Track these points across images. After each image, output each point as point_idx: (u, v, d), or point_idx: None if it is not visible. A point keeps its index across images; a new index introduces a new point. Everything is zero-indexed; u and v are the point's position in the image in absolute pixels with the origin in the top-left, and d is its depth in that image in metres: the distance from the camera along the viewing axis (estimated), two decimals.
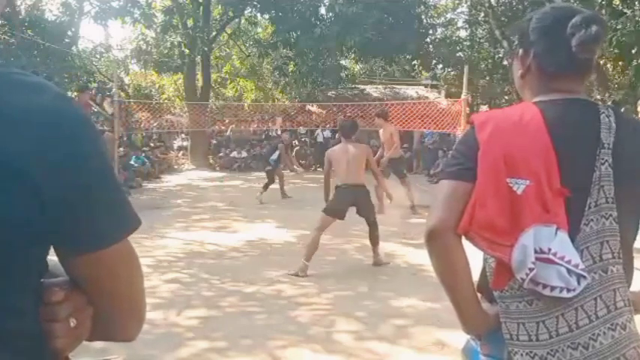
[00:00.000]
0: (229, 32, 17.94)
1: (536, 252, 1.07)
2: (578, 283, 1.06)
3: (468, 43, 17.23)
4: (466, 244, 1.18)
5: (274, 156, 8.93)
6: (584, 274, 1.06)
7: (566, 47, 1.15)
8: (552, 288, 1.06)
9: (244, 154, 15.29)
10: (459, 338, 3.56)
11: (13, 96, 0.59)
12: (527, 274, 1.07)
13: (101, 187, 0.65)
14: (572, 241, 1.08)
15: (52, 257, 0.69)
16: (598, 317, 1.06)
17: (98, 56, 17.12)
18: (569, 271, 1.06)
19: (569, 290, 1.06)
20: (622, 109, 6.81)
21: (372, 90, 18.59)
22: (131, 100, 14.85)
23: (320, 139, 15.28)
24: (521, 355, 1.11)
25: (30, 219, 0.60)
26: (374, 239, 5.22)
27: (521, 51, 1.26)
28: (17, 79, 0.62)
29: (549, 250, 1.06)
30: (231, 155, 15.34)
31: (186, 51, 14.52)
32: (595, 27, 1.12)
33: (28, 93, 0.60)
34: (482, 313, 1.20)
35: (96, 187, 0.64)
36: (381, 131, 8.06)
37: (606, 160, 1.09)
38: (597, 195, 1.09)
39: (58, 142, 0.60)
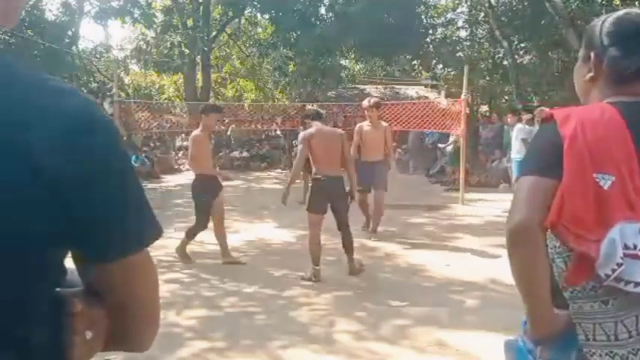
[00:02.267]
0: (229, 32, 17.95)
1: (623, 247, 1.07)
2: None
3: (468, 43, 17.21)
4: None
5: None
6: None
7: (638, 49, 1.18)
8: (636, 284, 1.06)
9: (245, 154, 15.29)
10: (459, 338, 3.57)
11: (45, 100, 0.59)
12: (613, 270, 1.07)
13: (127, 197, 0.65)
14: None
15: (69, 266, 0.68)
16: None
17: (98, 56, 17.12)
18: None
19: None
20: None
21: (372, 90, 18.59)
22: (131, 100, 14.85)
23: None
24: (600, 355, 1.11)
25: (53, 218, 0.59)
26: (348, 245, 4.72)
27: (592, 54, 1.25)
28: (50, 85, 0.61)
29: (635, 246, 1.07)
30: (232, 155, 15.35)
31: (186, 51, 14.53)
32: None
33: (59, 97, 0.60)
34: (554, 316, 1.19)
35: (122, 195, 0.64)
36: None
37: None
38: None
39: (91, 150, 0.60)
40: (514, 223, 1.16)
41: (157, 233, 0.69)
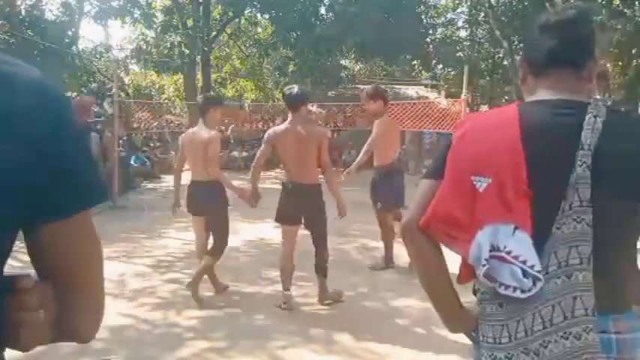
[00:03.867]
0: (229, 32, 17.94)
1: (491, 249, 1.07)
2: (534, 284, 1.03)
3: (468, 43, 17.23)
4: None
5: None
6: (540, 276, 1.03)
7: (547, 40, 1.18)
8: (506, 287, 1.06)
9: (245, 154, 15.30)
10: (459, 338, 3.56)
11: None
12: (480, 270, 1.08)
13: (86, 156, 0.72)
14: (543, 244, 1.06)
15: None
16: (553, 324, 1.04)
17: (98, 56, 17.12)
18: (524, 271, 1.04)
19: (522, 291, 1.04)
20: (622, 109, 6.81)
21: None
22: (131, 100, 14.85)
23: None
24: (485, 357, 1.13)
25: (27, 172, 0.63)
26: (321, 266, 3.94)
27: (519, 58, 1.33)
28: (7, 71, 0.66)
29: (504, 247, 1.06)
30: (232, 155, 15.36)
31: (186, 51, 14.52)
32: (571, 11, 1.17)
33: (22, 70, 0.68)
34: (463, 312, 1.22)
35: (83, 153, 0.71)
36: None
37: (584, 162, 1.04)
38: (572, 198, 1.05)
39: (45, 112, 0.66)
40: (402, 223, 1.22)
41: (99, 198, 0.73)
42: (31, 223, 0.68)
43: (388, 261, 5.04)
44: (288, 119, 3.86)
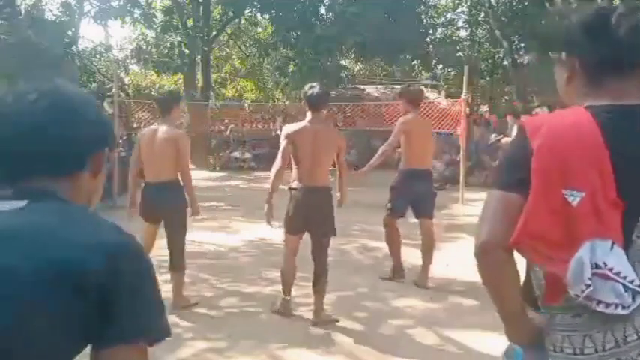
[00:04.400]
0: (229, 32, 17.93)
1: (592, 267, 1.02)
2: (633, 299, 1.02)
3: (468, 43, 17.23)
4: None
5: None
6: (639, 289, 1.02)
7: (613, 42, 1.10)
8: (607, 305, 1.02)
9: (247, 155, 15.28)
10: (459, 338, 3.56)
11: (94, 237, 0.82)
12: (582, 291, 1.02)
13: (151, 301, 0.90)
14: (626, 254, 1.04)
15: None
16: None
17: (98, 56, 17.11)
18: (624, 287, 1.02)
19: (624, 307, 1.02)
20: None
21: (372, 90, 18.59)
22: (131, 100, 14.84)
23: None
24: None
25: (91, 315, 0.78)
26: (320, 284, 3.63)
27: (564, 55, 1.21)
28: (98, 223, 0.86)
29: (605, 264, 1.02)
30: (233, 155, 15.35)
31: (186, 51, 14.52)
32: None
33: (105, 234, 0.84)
34: (529, 324, 1.18)
35: (148, 299, 0.88)
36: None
37: None
38: None
39: (124, 271, 0.81)
40: (479, 241, 1.14)
41: (166, 332, 0.92)
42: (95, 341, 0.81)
43: (397, 272, 4.66)
44: (308, 118, 3.65)
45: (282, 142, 3.63)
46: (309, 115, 3.66)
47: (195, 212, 4.03)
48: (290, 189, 3.67)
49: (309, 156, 3.57)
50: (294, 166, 3.65)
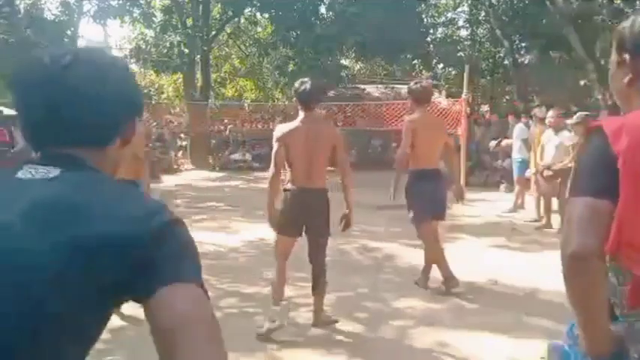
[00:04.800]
0: (229, 31, 17.92)
1: None
2: None
3: (468, 43, 17.23)
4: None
5: None
6: None
7: None
8: None
9: (248, 155, 15.27)
10: (459, 338, 3.54)
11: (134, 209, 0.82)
12: None
13: (189, 253, 0.84)
14: None
15: None
16: None
17: None
18: None
19: None
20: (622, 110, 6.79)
21: (372, 90, 18.58)
22: None
23: None
24: None
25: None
26: (319, 286, 3.53)
27: (627, 57, 1.19)
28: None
29: None
30: (233, 156, 15.34)
31: (186, 50, 14.51)
32: None
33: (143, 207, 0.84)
34: (610, 334, 1.15)
35: (188, 252, 0.83)
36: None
37: None
38: None
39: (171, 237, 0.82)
40: (570, 252, 1.08)
41: (199, 279, 0.82)
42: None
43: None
44: (300, 117, 3.44)
45: (274, 145, 3.43)
46: (301, 113, 3.45)
47: None
48: (285, 190, 3.48)
49: (304, 157, 3.39)
50: (288, 168, 3.48)
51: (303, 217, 3.44)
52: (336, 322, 3.61)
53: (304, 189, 3.41)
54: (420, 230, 4.34)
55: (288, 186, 3.47)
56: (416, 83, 4.45)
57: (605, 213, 1.07)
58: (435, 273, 4.59)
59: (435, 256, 4.32)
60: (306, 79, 3.53)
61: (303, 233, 3.51)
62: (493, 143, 9.99)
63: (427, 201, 4.18)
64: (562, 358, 1.30)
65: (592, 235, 1.07)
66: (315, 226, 3.47)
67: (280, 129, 3.51)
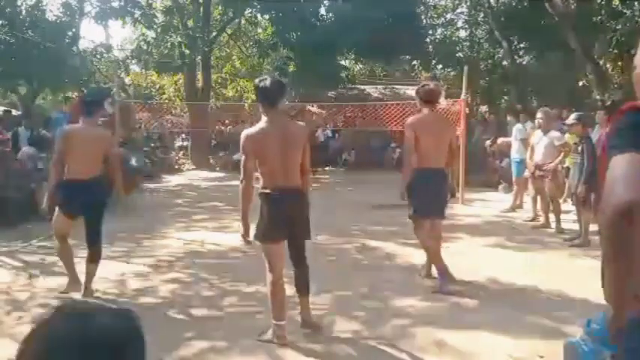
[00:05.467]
0: (229, 32, 17.94)
1: None
2: None
3: (467, 44, 17.23)
4: None
5: None
6: None
7: None
8: None
9: None
10: (459, 338, 3.56)
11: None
12: None
13: None
14: None
15: None
16: None
17: (98, 57, 17.11)
18: None
19: None
20: None
21: (372, 90, 18.60)
22: (132, 101, 14.86)
23: (321, 138, 15.20)
24: None
25: None
26: (303, 284, 3.47)
27: None
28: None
29: None
30: (233, 157, 15.35)
31: (187, 51, 14.52)
32: None
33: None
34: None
35: None
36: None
37: None
38: None
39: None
40: (620, 202, 1.09)
41: None
42: None
43: (427, 269, 4.59)
44: (265, 118, 3.25)
45: (243, 157, 3.23)
46: (266, 113, 3.25)
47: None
48: (262, 194, 3.30)
49: (278, 158, 3.22)
50: (260, 172, 3.30)
51: (287, 218, 3.30)
52: (321, 328, 3.55)
53: (283, 189, 3.25)
54: (415, 227, 4.46)
55: (265, 190, 3.28)
56: (423, 85, 4.49)
57: None
58: (437, 273, 4.62)
59: (428, 253, 4.48)
60: (265, 76, 3.39)
61: (287, 239, 3.40)
62: (488, 143, 10.02)
63: (428, 200, 4.28)
64: (580, 356, 1.32)
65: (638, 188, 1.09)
66: (299, 229, 3.37)
67: (247, 136, 3.24)
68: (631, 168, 1.11)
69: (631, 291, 1.15)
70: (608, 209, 1.12)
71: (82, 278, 4.17)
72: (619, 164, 1.13)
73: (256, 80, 3.42)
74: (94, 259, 4.15)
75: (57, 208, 4.09)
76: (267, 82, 3.26)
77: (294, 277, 3.53)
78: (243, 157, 3.25)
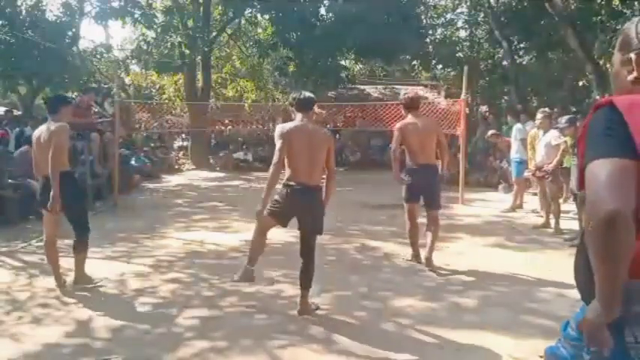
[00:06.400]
0: (229, 32, 17.95)
1: None
2: None
3: (467, 44, 17.24)
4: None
5: None
6: None
7: None
8: None
9: (248, 155, 15.29)
10: (459, 338, 3.56)
11: None
12: None
13: None
14: None
15: None
16: None
17: (99, 57, 17.13)
18: None
19: None
20: None
21: (372, 90, 18.60)
22: (132, 101, 14.86)
23: None
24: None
25: None
26: (307, 278, 3.75)
27: (633, 55, 1.24)
28: None
29: None
30: (233, 155, 15.37)
31: (187, 51, 14.53)
32: None
33: None
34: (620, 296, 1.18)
35: None
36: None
37: None
38: None
39: None
40: (608, 210, 1.10)
41: None
42: None
43: (415, 257, 5.18)
44: (299, 118, 3.74)
45: (278, 142, 3.64)
46: (299, 116, 3.79)
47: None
48: (285, 185, 3.71)
49: (306, 155, 3.64)
50: (287, 165, 3.68)
51: (296, 212, 3.67)
52: (318, 308, 3.89)
53: (304, 185, 3.62)
54: (406, 209, 5.13)
55: (288, 182, 3.67)
56: (405, 94, 5.30)
57: (631, 171, 1.11)
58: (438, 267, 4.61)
59: (410, 233, 5.15)
60: (301, 92, 3.93)
61: (298, 230, 3.76)
62: (491, 132, 10.00)
63: (417, 188, 4.97)
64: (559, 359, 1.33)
65: (626, 192, 1.10)
66: (312, 222, 3.70)
67: (283, 127, 3.71)
68: (616, 175, 1.12)
69: (618, 290, 1.17)
70: (593, 215, 1.13)
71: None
72: (604, 169, 1.13)
73: (294, 93, 3.95)
74: (75, 248, 4.37)
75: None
76: (305, 94, 3.86)
77: (299, 270, 3.78)
78: (278, 144, 3.61)
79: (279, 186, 3.73)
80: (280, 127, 3.72)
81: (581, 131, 1.30)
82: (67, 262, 4.54)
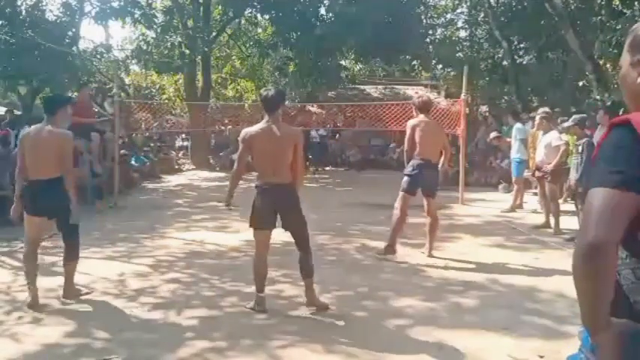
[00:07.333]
0: (229, 32, 17.94)
1: None
2: None
3: (467, 44, 17.23)
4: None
5: None
6: None
7: None
8: None
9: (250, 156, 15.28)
10: (459, 338, 3.56)
11: None
12: None
13: None
14: None
15: None
16: None
17: (99, 56, 17.12)
18: None
19: None
20: (621, 110, 6.85)
21: (372, 90, 18.60)
22: (132, 101, 14.86)
23: (317, 139, 15.17)
24: None
25: None
26: (307, 267, 3.85)
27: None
28: None
29: None
30: (233, 157, 15.35)
31: (187, 51, 14.52)
32: None
33: None
34: (610, 323, 1.17)
35: None
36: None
37: None
38: None
39: None
40: (591, 241, 1.09)
41: None
42: None
43: (389, 248, 5.34)
44: (264, 119, 3.83)
45: (240, 147, 3.87)
46: (265, 116, 3.91)
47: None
48: (256, 187, 3.86)
49: (269, 155, 3.76)
50: (255, 167, 3.91)
51: (275, 210, 3.79)
52: (328, 308, 3.90)
53: (271, 184, 3.76)
54: (400, 196, 5.35)
55: (258, 183, 3.85)
56: (419, 97, 5.82)
57: (630, 206, 1.08)
58: (437, 272, 4.61)
59: (395, 222, 5.32)
60: (269, 88, 4.05)
61: (284, 229, 3.87)
62: (493, 134, 9.99)
63: (418, 180, 5.31)
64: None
65: (617, 226, 1.08)
66: (291, 219, 3.82)
67: (246, 131, 3.84)
68: (611, 207, 1.10)
69: (604, 314, 1.16)
70: (581, 242, 1.12)
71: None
72: (601, 198, 1.11)
73: (262, 90, 4.07)
74: (66, 257, 4.12)
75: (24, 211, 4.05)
76: (269, 93, 3.88)
77: (298, 261, 3.89)
78: (239, 150, 3.86)
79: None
80: (243, 132, 3.85)
81: (595, 151, 1.26)
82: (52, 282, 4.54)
